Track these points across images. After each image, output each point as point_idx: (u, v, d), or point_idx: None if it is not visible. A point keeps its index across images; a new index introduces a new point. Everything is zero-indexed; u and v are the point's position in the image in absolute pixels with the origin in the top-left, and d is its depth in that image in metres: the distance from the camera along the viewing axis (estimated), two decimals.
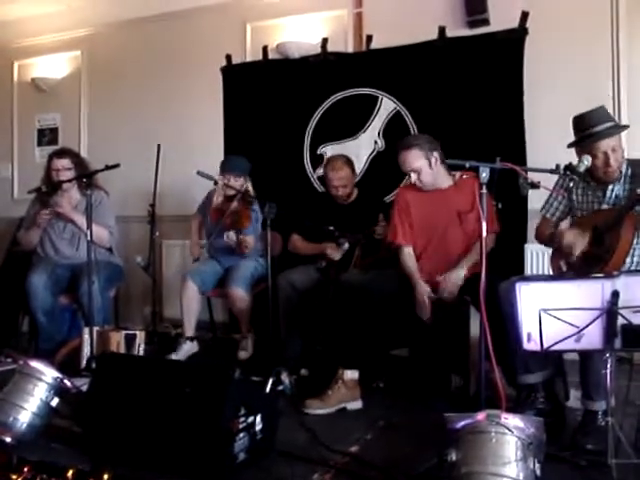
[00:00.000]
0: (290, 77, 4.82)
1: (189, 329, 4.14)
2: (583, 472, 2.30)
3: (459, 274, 3.26)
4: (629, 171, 2.79)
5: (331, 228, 3.82)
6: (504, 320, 2.66)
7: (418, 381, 3.39)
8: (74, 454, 2.45)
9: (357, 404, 3.18)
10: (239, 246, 4.02)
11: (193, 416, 2.29)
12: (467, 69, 4.25)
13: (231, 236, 4.02)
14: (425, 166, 3.34)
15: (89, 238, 3.56)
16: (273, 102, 4.87)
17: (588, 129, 2.73)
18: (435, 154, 3.33)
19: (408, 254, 3.45)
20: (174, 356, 3.99)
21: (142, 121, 5.38)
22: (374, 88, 4.57)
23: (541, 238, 3.12)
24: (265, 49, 4.91)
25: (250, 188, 4.18)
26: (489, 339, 2.40)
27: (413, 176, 3.37)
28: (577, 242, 2.74)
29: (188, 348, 4.09)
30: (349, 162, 4.03)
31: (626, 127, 2.87)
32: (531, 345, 2.27)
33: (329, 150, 4.64)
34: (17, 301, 4.31)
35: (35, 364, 2.68)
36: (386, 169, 4.39)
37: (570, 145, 2.84)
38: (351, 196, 4.06)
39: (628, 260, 2.70)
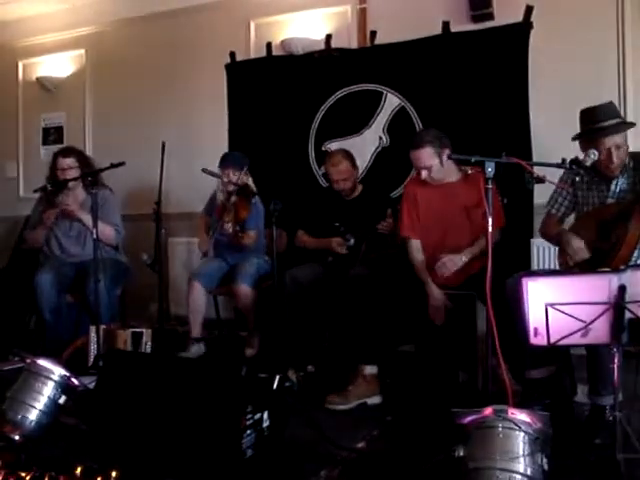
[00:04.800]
0: (294, 73, 4.81)
1: (196, 329, 4.14)
2: (591, 467, 2.30)
3: (459, 259, 3.27)
4: (632, 164, 2.78)
5: (337, 224, 3.83)
6: (511, 315, 2.65)
7: (425, 376, 3.39)
8: (82, 452, 2.46)
9: (376, 399, 3.19)
10: (235, 238, 4.03)
11: (200, 413, 2.29)
12: (472, 64, 4.23)
13: (227, 227, 4.03)
14: (437, 164, 3.33)
15: (95, 236, 3.57)
16: (277, 99, 4.87)
17: (595, 123, 2.72)
18: (447, 150, 3.32)
19: (416, 248, 3.46)
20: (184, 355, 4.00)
21: (147, 119, 5.39)
22: (378, 84, 4.55)
23: (546, 235, 3.12)
24: (269, 46, 4.91)
25: (250, 182, 4.18)
26: (496, 334, 2.39)
27: (424, 173, 3.37)
28: (581, 252, 2.75)
29: (196, 349, 4.09)
30: (348, 156, 4.02)
31: (633, 125, 2.84)
32: (538, 340, 2.26)
33: (334, 146, 4.62)
34: (25, 300, 4.32)
35: (42, 362, 2.68)
36: (391, 165, 4.39)
37: (575, 138, 2.83)
38: (355, 191, 4.05)
39: (635, 254, 2.69)
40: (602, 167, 2.76)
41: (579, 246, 2.75)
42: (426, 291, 3.32)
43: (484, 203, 2.48)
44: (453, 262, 3.27)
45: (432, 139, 3.33)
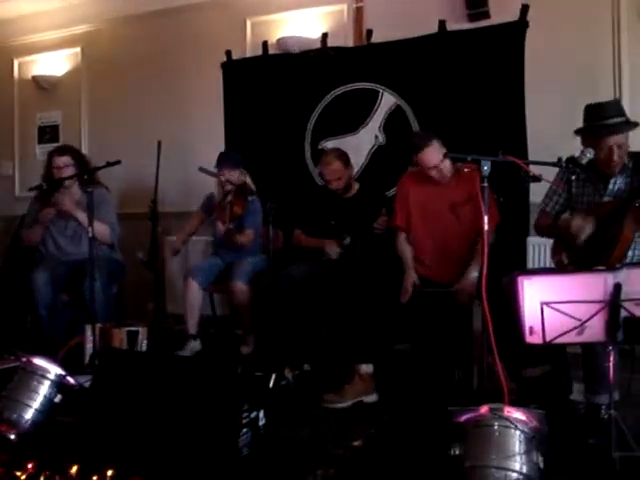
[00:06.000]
0: (290, 72, 4.81)
1: (192, 327, 4.14)
2: (587, 465, 2.30)
3: (471, 277, 3.22)
4: (631, 164, 2.78)
5: (333, 223, 3.83)
6: (507, 314, 2.65)
7: (421, 375, 3.39)
8: (78, 451, 2.46)
9: (373, 397, 3.20)
10: (228, 238, 4.03)
11: (196, 412, 2.29)
12: (468, 63, 4.23)
13: (219, 228, 4.04)
14: (445, 158, 3.34)
15: (91, 235, 3.56)
16: (274, 97, 4.86)
17: (599, 120, 2.72)
18: (444, 149, 3.34)
19: (403, 240, 3.50)
20: (180, 354, 3.99)
21: (143, 117, 5.38)
22: (374, 82, 4.55)
23: (541, 230, 3.11)
24: (265, 44, 4.90)
25: (248, 180, 4.22)
26: (491, 333, 2.40)
27: (434, 172, 3.36)
28: (585, 226, 2.73)
29: (192, 346, 4.09)
30: (341, 155, 4.01)
31: (637, 125, 2.82)
32: (533, 338, 2.27)
33: (330, 145, 4.61)
34: (21, 299, 4.31)
35: (38, 361, 2.68)
36: (387, 163, 4.39)
37: (577, 132, 2.82)
38: (352, 190, 4.05)
39: (630, 254, 2.70)
40: (601, 165, 2.75)
41: (579, 224, 2.74)
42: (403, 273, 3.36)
43: (476, 201, 2.49)
44: (467, 288, 3.21)
45: (433, 137, 3.35)
